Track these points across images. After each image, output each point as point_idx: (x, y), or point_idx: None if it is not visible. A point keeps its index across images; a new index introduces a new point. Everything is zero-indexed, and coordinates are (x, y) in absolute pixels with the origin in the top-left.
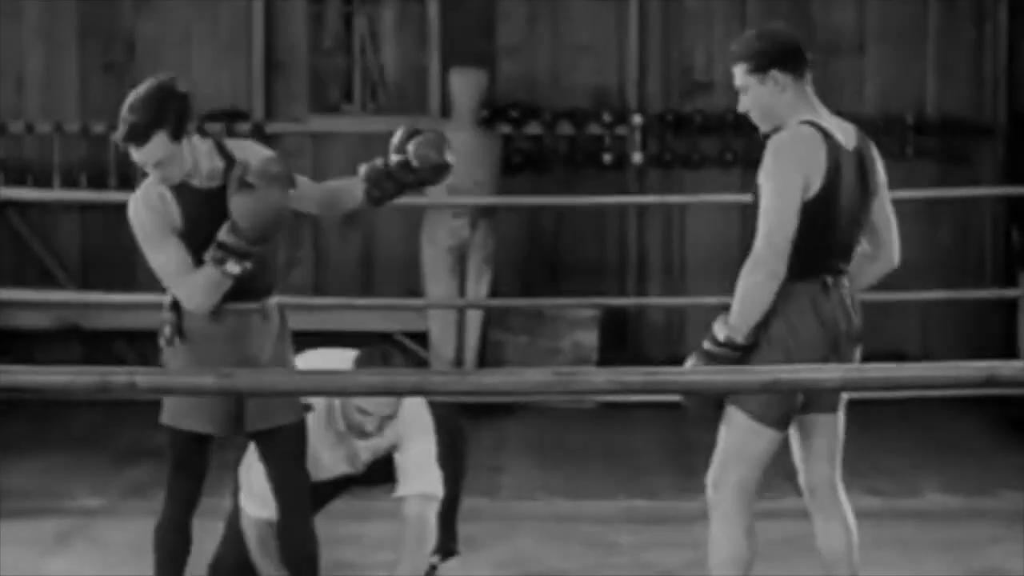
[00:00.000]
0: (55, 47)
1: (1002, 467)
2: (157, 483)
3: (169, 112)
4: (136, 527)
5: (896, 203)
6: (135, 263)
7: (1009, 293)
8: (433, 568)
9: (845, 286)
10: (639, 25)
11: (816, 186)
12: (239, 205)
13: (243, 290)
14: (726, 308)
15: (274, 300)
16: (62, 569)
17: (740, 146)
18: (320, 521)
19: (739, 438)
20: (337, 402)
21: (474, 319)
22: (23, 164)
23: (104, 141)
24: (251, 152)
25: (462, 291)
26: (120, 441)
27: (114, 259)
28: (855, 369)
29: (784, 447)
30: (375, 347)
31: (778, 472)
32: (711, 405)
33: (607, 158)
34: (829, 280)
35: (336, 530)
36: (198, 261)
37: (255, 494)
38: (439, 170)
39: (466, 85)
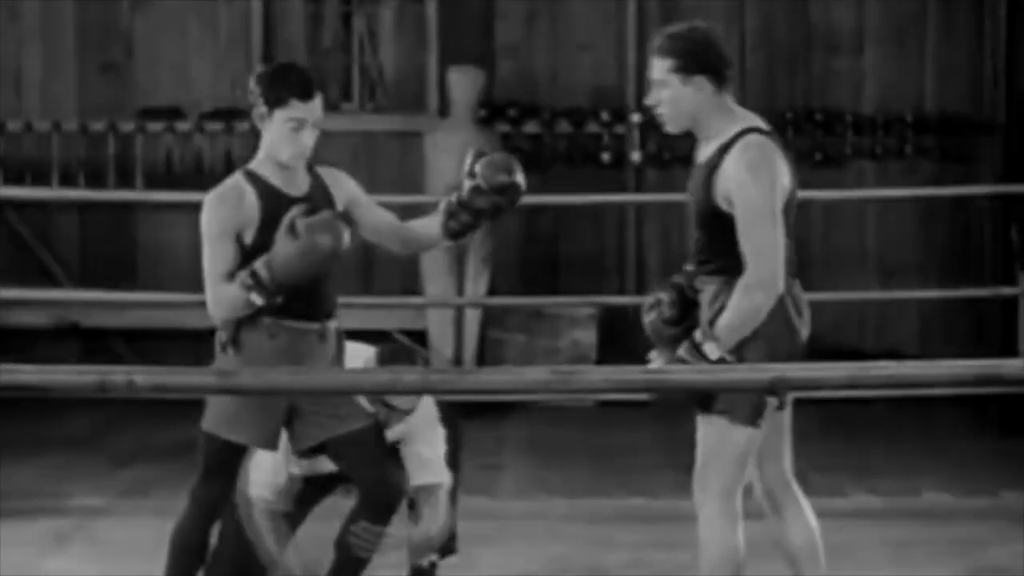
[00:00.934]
0: (53, 46)
1: (1002, 467)
2: (156, 482)
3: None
4: (136, 527)
5: (895, 201)
6: (134, 262)
7: (1008, 292)
8: (433, 566)
9: (797, 285)
10: (637, 24)
11: (785, 194)
12: (280, 248)
13: (302, 310)
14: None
15: (334, 324)
16: (61, 569)
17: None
18: (323, 521)
19: (718, 440)
20: None
21: (473, 318)
22: (22, 163)
23: (103, 140)
24: (333, 179)
25: (461, 290)
26: (120, 441)
27: (113, 258)
28: (858, 368)
29: None
30: (393, 345)
31: None
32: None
33: (606, 157)
34: (793, 283)
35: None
36: None
37: (260, 483)
38: (510, 191)
39: (464, 84)
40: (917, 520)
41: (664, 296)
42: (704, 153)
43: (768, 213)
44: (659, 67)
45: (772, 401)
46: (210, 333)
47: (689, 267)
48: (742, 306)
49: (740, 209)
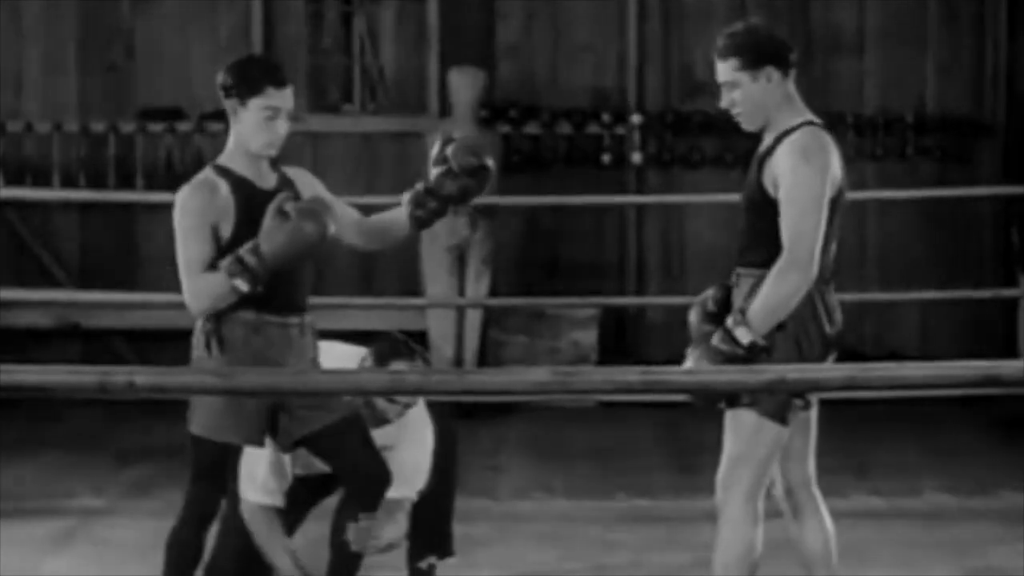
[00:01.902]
0: (54, 46)
1: (1002, 467)
2: (156, 482)
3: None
4: (136, 527)
5: (896, 202)
6: (134, 262)
7: (1009, 293)
8: (432, 567)
9: (833, 286)
10: (638, 25)
11: (835, 188)
12: (270, 231)
13: (284, 304)
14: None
15: (310, 318)
16: (62, 569)
17: (740, 146)
18: (321, 522)
19: (747, 438)
20: None
21: (473, 319)
22: (22, 163)
23: (103, 140)
24: (300, 177)
25: (461, 291)
26: (120, 441)
27: (113, 258)
28: (859, 368)
29: None
30: (386, 342)
31: None
32: (717, 403)
33: (606, 158)
34: (829, 280)
35: None
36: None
37: (258, 483)
38: (480, 173)
39: (465, 85)
40: (918, 520)
41: (712, 292)
42: (763, 144)
43: (813, 199)
44: (725, 69)
45: (798, 401)
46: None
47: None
48: (776, 289)
49: (785, 191)
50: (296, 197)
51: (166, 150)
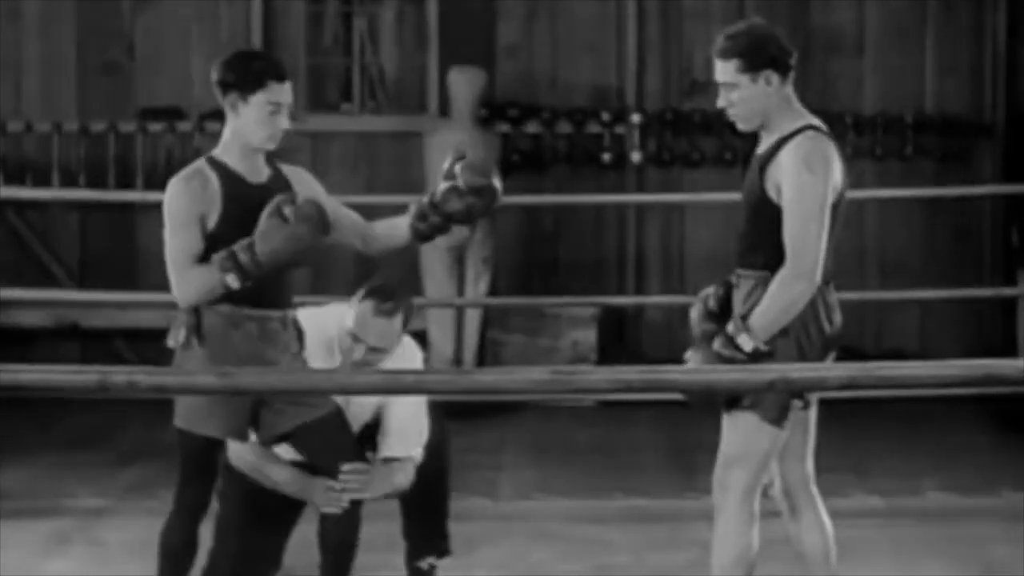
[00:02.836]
0: (54, 46)
1: (1002, 467)
2: (157, 483)
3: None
4: (136, 527)
5: (896, 202)
6: (134, 262)
7: (1008, 292)
8: (432, 568)
9: (833, 286)
10: (638, 24)
11: (837, 193)
12: (266, 230)
13: (264, 298)
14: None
15: (292, 313)
16: (62, 570)
17: (739, 145)
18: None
19: (744, 439)
20: (335, 333)
21: (473, 318)
22: (22, 163)
23: (103, 140)
24: (296, 176)
25: (461, 290)
26: (120, 441)
27: (113, 258)
28: (859, 368)
29: None
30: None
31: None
32: (714, 403)
33: (606, 157)
34: (829, 281)
35: None
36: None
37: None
38: (486, 193)
39: (465, 84)
40: (918, 520)
41: (713, 291)
42: (762, 146)
43: (816, 208)
44: (724, 69)
45: (797, 401)
46: None
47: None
48: (780, 297)
49: (788, 199)
50: (293, 198)
51: (166, 150)
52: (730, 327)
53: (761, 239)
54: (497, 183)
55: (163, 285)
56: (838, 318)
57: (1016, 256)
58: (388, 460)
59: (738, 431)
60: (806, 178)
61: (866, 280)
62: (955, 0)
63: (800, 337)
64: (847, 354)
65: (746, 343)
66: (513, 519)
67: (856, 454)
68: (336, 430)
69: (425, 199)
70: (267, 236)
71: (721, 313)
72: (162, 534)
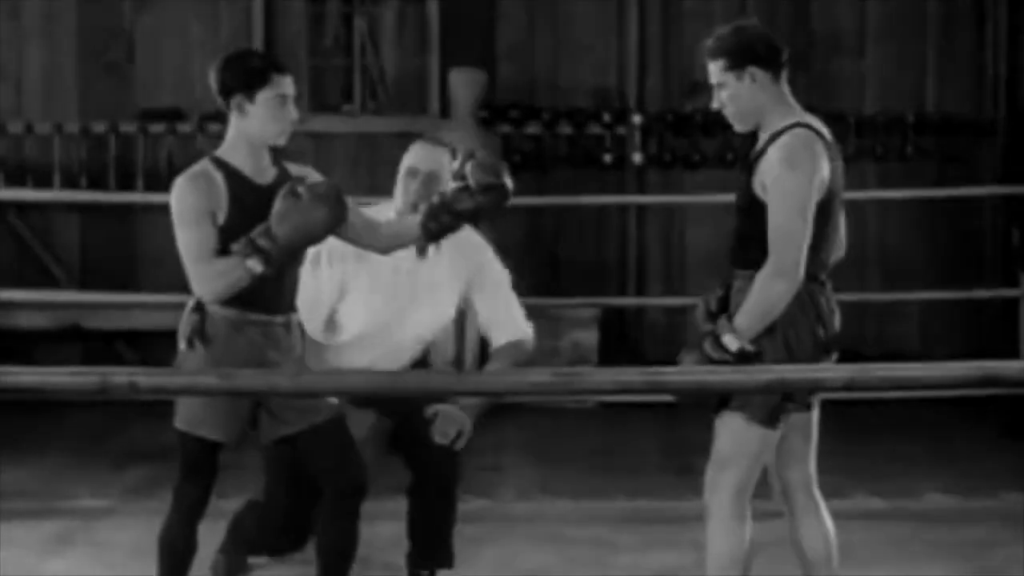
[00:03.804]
0: (55, 47)
1: (1001, 468)
2: (158, 484)
3: None
4: (137, 528)
5: (896, 202)
6: (135, 263)
7: (1009, 293)
8: (432, 575)
9: (830, 286)
10: (639, 25)
11: (823, 190)
12: (282, 210)
13: (267, 303)
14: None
15: (296, 317)
16: (62, 570)
17: (740, 146)
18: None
19: (735, 441)
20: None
21: (474, 319)
22: (23, 164)
23: (104, 141)
24: (303, 174)
25: None
26: (121, 442)
27: (114, 259)
28: (859, 369)
29: None
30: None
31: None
32: (705, 403)
33: (607, 158)
34: (824, 279)
35: None
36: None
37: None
38: (497, 192)
39: (466, 85)
40: (918, 521)
41: (715, 291)
42: (757, 145)
43: (799, 204)
44: (714, 70)
45: (790, 404)
46: None
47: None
48: (761, 296)
49: (772, 196)
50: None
51: (167, 151)
52: (716, 327)
53: (751, 238)
54: (508, 181)
55: (164, 286)
56: (835, 320)
57: (1017, 257)
58: (514, 344)
59: (728, 433)
60: (788, 175)
61: (866, 281)
62: (955, 0)
63: (789, 338)
64: (847, 355)
65: (731, 343)
66: (514, 520)
67: (855, 455)
68: (337, 437)
69: (435, 199)
70: (284, 217)
71: (720, 314)
72: (160, 535)
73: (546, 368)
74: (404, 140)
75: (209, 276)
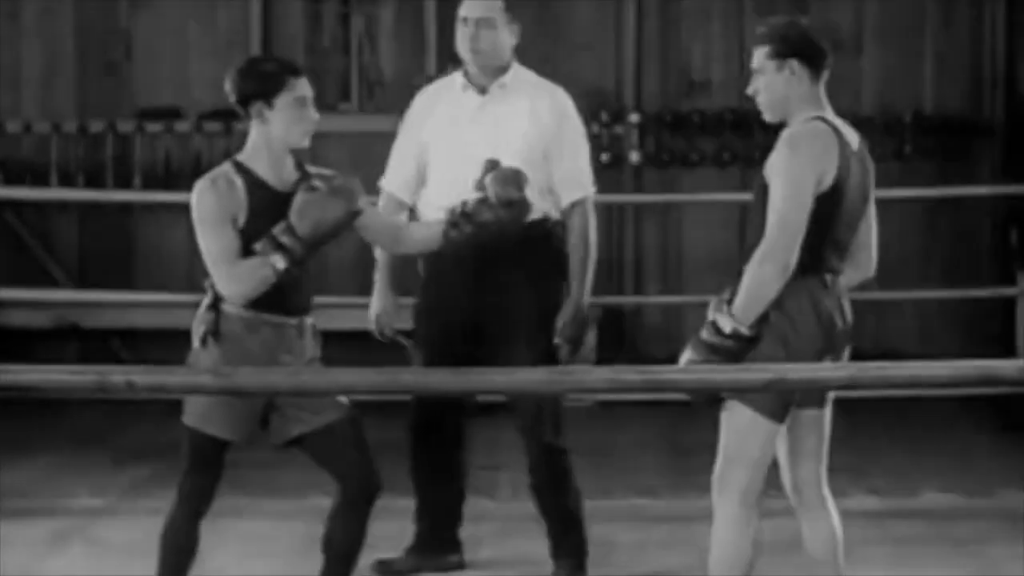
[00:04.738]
0: (53, 47)
1: (1001, 467)
2: (157, 482)
3: None
4: (136, 527)
5: (895, 202)
6: (133, 262)
7: (1008, 292)
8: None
9: (840, 285)
10: (636, 24)
11: (827, 182)
12: (301, 205)
13: (281, 304)
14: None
15: (310, 320)
16: (61, 569)
17: (738, 145)
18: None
19: (740, 435)
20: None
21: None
22: (21, 163)
23: (102, 140)
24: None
25: None
26: (120, 441)
27: (112, 258)
28: (858, 368)
29: None
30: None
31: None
32: (717, 402)
33: (604, 157)
34: (828, 278)
35: None
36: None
37: None
38: (517, 206)
39: None
40: (917, 520)
41: (730, 288)
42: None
43: (795, 188)
44: (756, 55)
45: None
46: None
47: None
48: (752, 278)
49: (773, 179)
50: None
51: (164, 150)
52: (711, 311)
53: (759, 227)
54: (528, 195)
55: (162, 285)
56: (840, 317)
57: (1015, 256)
58: (575, 205)
59: (734, 428)
60: (789, 161)
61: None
62: (954, 0)
63: (786, 331)
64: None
65: (725, 324)
66: (513, 519)
67: (855, 454)
68: (349, 437)
69: (458, 207)
70: (303, 212)
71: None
72: (163, 530)
73: (545, 367)
74: None
75: (235, 277)
